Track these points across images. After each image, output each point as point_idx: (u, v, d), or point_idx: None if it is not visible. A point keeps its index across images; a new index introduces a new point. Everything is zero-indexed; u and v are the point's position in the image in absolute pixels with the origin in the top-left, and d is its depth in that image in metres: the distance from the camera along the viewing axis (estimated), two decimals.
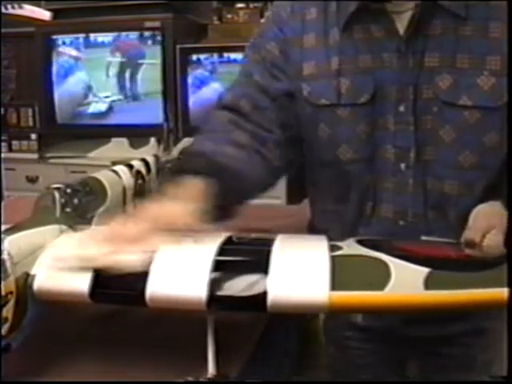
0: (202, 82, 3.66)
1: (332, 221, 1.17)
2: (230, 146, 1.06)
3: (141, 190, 1.29)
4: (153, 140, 1.67)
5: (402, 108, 1.04)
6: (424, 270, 0.79)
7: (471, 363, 1.21)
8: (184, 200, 0.91)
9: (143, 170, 1.34)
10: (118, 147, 1.72)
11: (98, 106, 3.81)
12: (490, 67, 1.00)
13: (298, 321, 1.37)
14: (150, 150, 1.59)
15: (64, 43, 3.82)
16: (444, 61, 1.02)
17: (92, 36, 3.78)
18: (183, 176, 0.96)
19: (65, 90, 3.84)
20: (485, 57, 1.00)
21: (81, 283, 0.81)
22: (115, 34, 3.73)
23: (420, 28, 1.02)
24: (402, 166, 1.07)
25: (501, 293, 0.75)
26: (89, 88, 3.81)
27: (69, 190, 0.99)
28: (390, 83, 1.04)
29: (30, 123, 3.98)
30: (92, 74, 3.80)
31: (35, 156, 3.70)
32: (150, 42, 3.69)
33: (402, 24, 1.03)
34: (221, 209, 0.96)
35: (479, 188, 1.05)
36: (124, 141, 1.73)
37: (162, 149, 1.57)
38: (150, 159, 1.42)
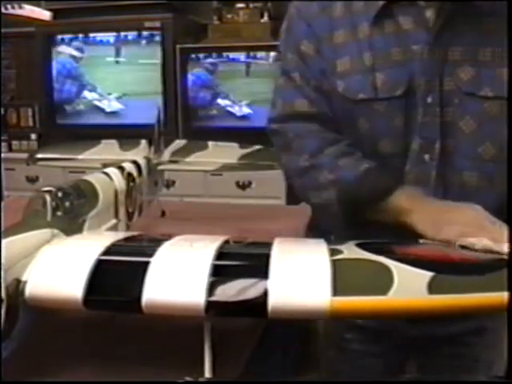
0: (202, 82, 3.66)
1: None
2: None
3: (132, 193, 1.28)
4: (143, 142, 1.65)
5: (429, 99, 1.05)
6: (427, 274, 0.77)
7: (473, 363, 1.21)
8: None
9: (134, 172, 1.32)
10: (108, 149, 1.70)
11: (96, 106, 3.80)
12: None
13: (298, 321, 1.36)
14: (140, 152, 1.58)
15: (64, 43, 3.81)
16: (466, 53, 1.03)
17: (92, 36, 3.77)
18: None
19: (64, 90, 3.83)
20: (506, 50, 1.01)
21: (74, 290, 0.78)
22: (115, 33, 3.72)
23: (448, 21, 1.03)
24: (426, 157, 1.06)
25: (501, 296, 0.74)
26: (88, 88, 3.79)
27: (60, 194, 0.97)
28: (419, 75, 1.05)
29: (30, 123, 3.99)
30: (91, 73, 3.80)
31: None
32: (149, 42, 3.68)
33: (431, 17, 1.04)
34: None
35: (498, 181, 1.05)
36: (114, 142, 1.71)
37: (152, 151, 1.56)
38: (142, 161, 1.41)
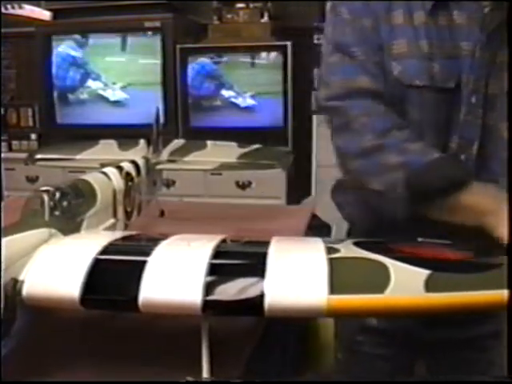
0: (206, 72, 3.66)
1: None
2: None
3: (130, 192, 1.28)
4: (142, 142, 1.65)
5: (473, 99, 1.04)
6: (424, 272, 0.77)
7: (490, 367, 1.19)
8: None
9: (133, 172, 1.32)
10: (107, 149, 1.70)
11: (100, 96, 3.81)
12: None
13: (298, 320, 1.36)
14: (139, 152, 1.58)
15: (64, 43, 3.81)
16: None
17: (91, 36, 3.77)
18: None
19: (64, 90, 3.84)
20: None
21: (72, 289, 0.78)
22: (115, 34, 3.72)
23: (502, 24, 1.02)
24: (462, 157, 1.06)
25: (501, 294, 0.74)
26: (92, 76, 3.80)
27: (58, 193, 0.96)
28: (468, 72, 1.04)
29: (30, 123, 3.99)
30: (91, 74, 3.79)
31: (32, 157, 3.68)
32: (149, 42, 3.68)
33: (488, 16, 1.03)
34: None
35: None
36: (113, 142, 1.71)
37: (151, 150, 1.55)
38: (140, 161, 1.41)
